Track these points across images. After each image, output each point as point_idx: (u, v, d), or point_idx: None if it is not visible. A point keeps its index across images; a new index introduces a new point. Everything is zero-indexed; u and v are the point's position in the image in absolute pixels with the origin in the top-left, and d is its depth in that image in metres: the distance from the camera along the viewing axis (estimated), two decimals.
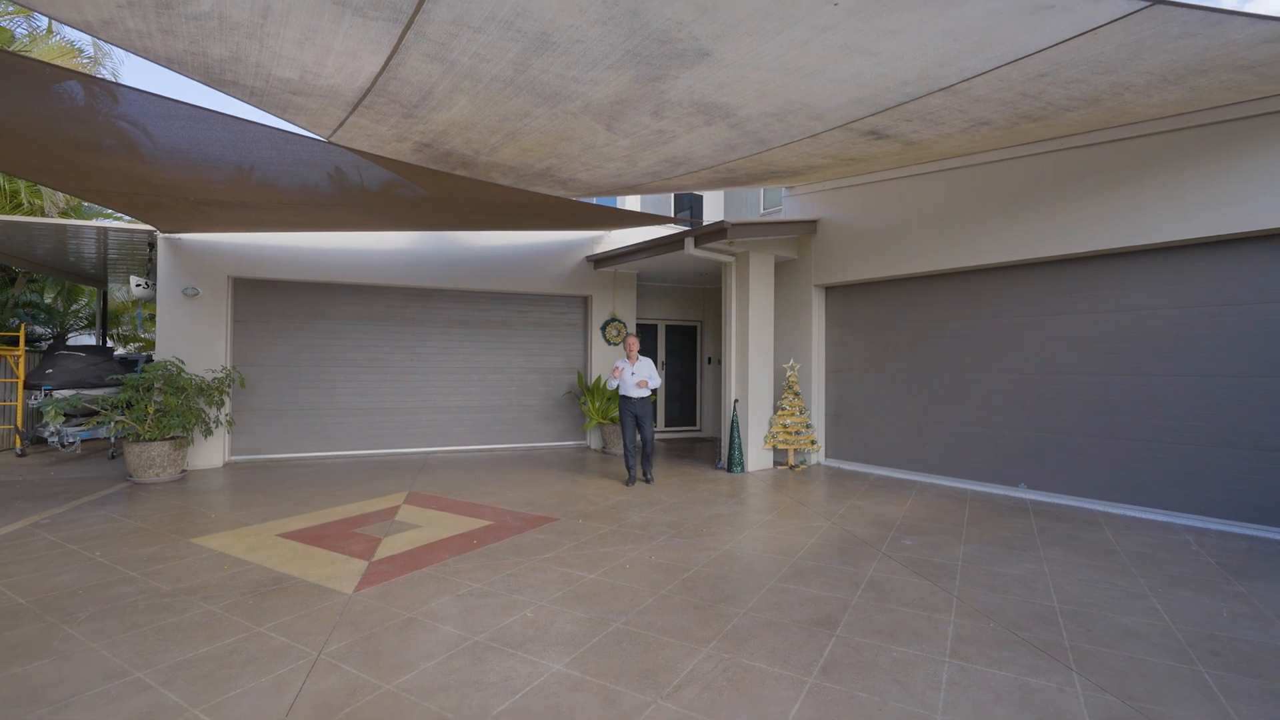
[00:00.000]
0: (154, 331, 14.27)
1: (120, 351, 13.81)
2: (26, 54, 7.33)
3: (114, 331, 14.28)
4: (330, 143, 4.56)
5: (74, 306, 13.26)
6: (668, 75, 3.43)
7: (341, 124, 4.23)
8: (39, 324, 12.05)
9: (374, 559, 4.23)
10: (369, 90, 3.59)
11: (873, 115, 4.23)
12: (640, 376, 6.67)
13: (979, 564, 4.19)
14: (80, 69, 8.09)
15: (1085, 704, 2.50)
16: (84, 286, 12.82)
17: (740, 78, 3.48)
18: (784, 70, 3.40)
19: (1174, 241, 5.23)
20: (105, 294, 12.32)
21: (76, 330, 13.37)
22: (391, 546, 4.52)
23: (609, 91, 3.60)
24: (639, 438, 6.76)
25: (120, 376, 7.75)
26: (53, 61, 7.95)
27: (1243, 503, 4.94)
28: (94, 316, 13.07)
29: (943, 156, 6.03)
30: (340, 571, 3.98)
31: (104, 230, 7.66)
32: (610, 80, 3.45)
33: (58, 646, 2.93)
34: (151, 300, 8.78)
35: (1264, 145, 4.71)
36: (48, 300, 12.71)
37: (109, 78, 8.91)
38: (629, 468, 6.74)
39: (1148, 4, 2.86)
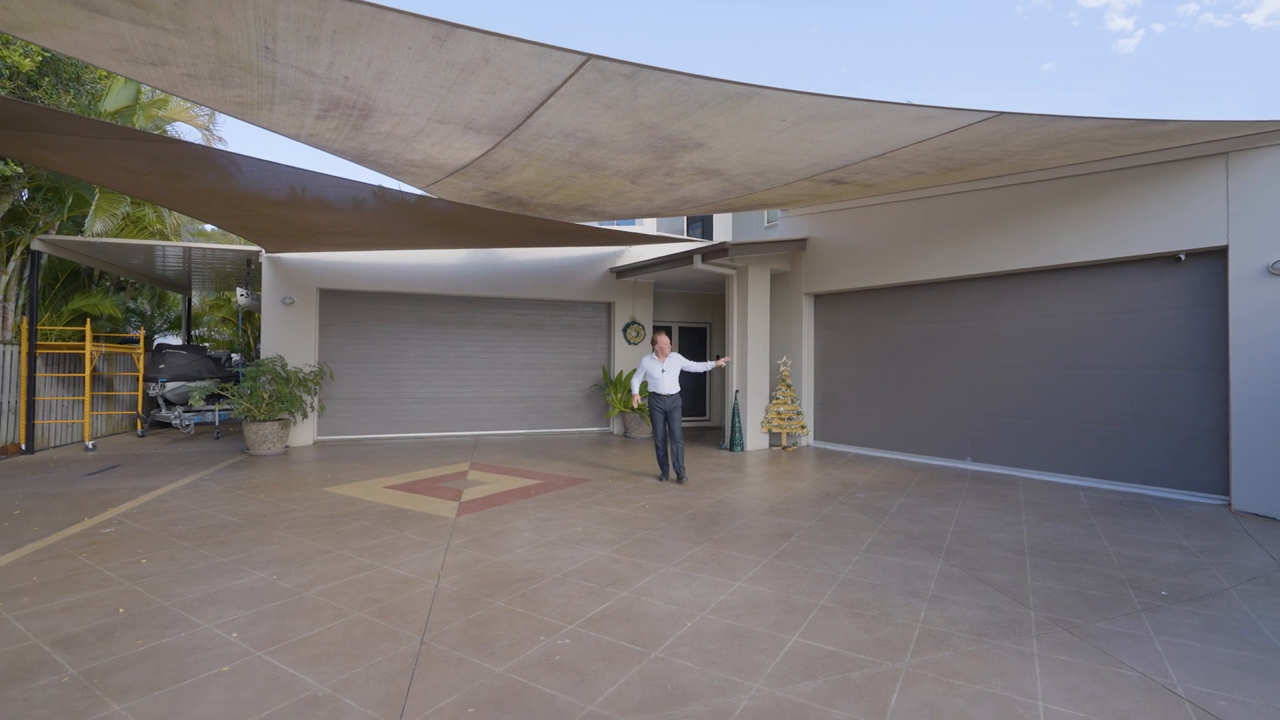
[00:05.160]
0: (227, 333, 16.11)
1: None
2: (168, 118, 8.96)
3: (194, 332, 16.13)
4: (425, 194, 6.13)
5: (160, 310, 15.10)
6: (675, 155, 4.91)
7: (437, 182, 5.79)
8: (132, 326, 13.89)
9: (462, 500, 5.79)
10: (466, 165, 5.13)
11: (829, 171, 5.67)
12: (673, 373, 6.65)
13: (909, 508, 5.62)
14: (194, 119, 9.83)
15: (937, 571, 3.94)
16: (171, 293, 14.64)
17: (726, 155, 4.95)
18: (756, 151, 4.87)
19: (1083, 262, 6.58)
20: (189, 300, 14.15)
21: (161, 331, 15.21)
22: (471, 494, 6.07)
23: (634, 165, 5.10)
24: (670, 436, 6.67)
25: (239, 369, 9.40)
26: (176, 117, 9.69)
27: (1126, 467, 6.29)
28: (177, 319, 14.92)
29: (898, 191, 7.44)
30: (441, 507, 5.54)
31: (188, 249, 9.17)
32: (635, 159, 4.95)
33: (277, 540, 4.51)
34: (251, 309, 10.47)
35: (1136, 188, 6.07)
36: (134, 304, 14.56)
37: (218, 129, 10.69)
38: (661, 464, 6.73)
39: (994, 115, 4.28)
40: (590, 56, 3.18)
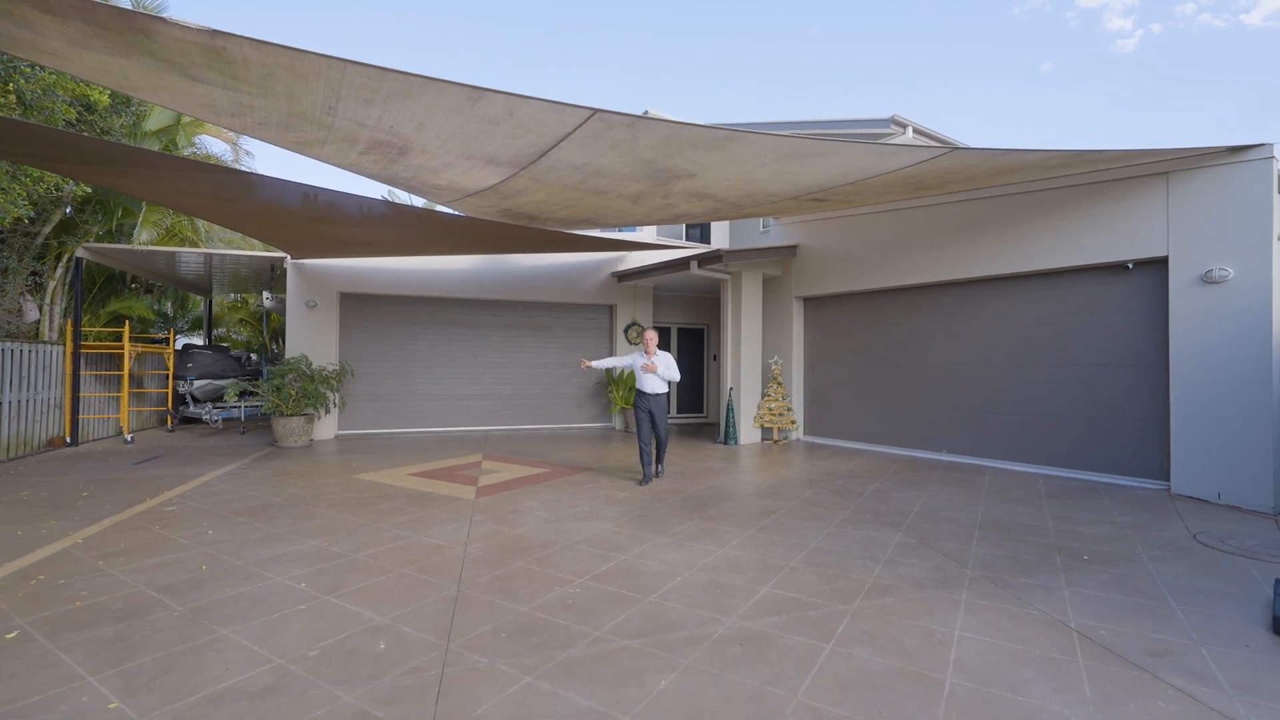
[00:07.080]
0: (245, 334, 16.76)
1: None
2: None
3: (214, 333, 16.79)
4: (443, 208, 6.77)
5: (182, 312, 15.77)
6: (670, 183, 5.55)
7: (456, 200, 6.43)
8: (159, 328, 14.57)
9: (479, 485, 6.43)
10: (485, 189, 5.77)
11: (810, 192, 6.30)
12: (655, 369, 6.49)
13: (881, 491, 6.25)
14: (222, 134, 10.53)
15: (896, 541, 4.57)
16: (192, 295, 15.32)
17: (716, 183, 5.59)
18: (742, 180, 5.50)
19: (1045, 269, 7.20)
20: (210, 303, 14.82)
21: (183, 332, 15.89)
22: (486, 480, 6.71)
23: (633, 190, 5.74)
24: (655, 435, 6.61)
25: (261, 367, 10.06)
26: (206, 131, 10.36)
27: (1082, 456, 6.91)
28: (198, 320, 15.59)
29: (876, 203, 8.07)
30: (460, 491, 6.18)
31: (208, 255, 9.72)
32: (634, 186, 5.59)
33: (320, 516, 5.15)
34: (275, 311, 11.13)
35: (1091, 203, 6.70)
36: (159, 306, 15.23)
37: (243, 143, 11.40)
38: (644, 465, 6.53)
39: (948, 150, 4.91)
40: (596, 110, 3.81)
